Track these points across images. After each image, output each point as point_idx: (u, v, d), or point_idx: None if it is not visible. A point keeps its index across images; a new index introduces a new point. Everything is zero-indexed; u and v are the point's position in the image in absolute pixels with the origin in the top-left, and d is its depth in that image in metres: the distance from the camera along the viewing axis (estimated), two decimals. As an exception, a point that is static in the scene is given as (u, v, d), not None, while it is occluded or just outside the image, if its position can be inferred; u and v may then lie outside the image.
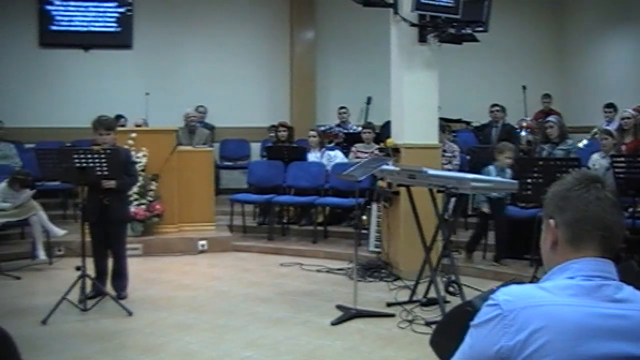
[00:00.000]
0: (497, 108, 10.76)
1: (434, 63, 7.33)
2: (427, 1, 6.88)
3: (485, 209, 7.48)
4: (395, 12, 7.25)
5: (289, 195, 9.61)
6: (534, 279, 6.02)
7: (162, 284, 7.22)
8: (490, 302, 1.67)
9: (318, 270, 7.82)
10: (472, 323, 1.69)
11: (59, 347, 5.14)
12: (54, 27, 12.47)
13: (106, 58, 12.64)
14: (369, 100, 13.08)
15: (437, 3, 6.92)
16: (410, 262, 6.97)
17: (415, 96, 7.29)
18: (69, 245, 8.31)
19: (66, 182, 9.21)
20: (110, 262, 6.53)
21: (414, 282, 6.40)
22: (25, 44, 12.36)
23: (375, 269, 7.54)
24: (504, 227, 7.54)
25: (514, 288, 1.68)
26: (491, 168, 7.42)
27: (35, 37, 12.44)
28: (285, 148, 10.08)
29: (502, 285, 1.75)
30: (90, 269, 6.20)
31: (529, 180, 6.56)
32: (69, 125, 11.70)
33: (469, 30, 7.24)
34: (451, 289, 5.93)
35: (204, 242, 8.84)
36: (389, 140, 7.56)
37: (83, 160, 5.75)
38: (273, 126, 11.64)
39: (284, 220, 9.68)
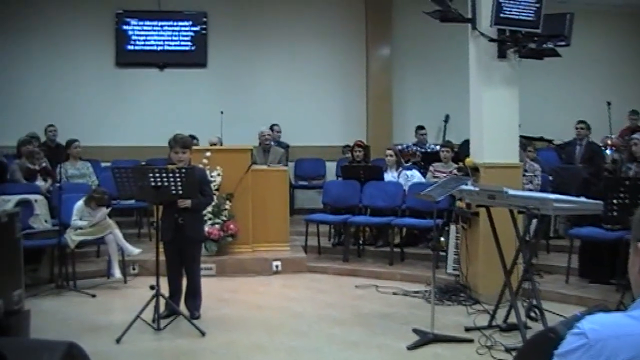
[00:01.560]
0: (582, 125, 10.56)
1: (514, 79, 7.27)
2: (506, 15, 6.84)
3: None
4: (474, 27, 7.22)
5: (365, 215, 9.62)
6: (621, 306, 5.89)
7: (236, 304, 7.31)
8: (575, 330, 1.63)
9: (394, 293, 7.79)
10: (556, 352, 1.66)
11: (133, 366, 5.26)
12: (130, 47, 12.88)
13: (181, 77, 12.99)
14: (447, 118, 13.04)
15: (517, 17, 6.88)
16: (490, 285, 6.89)
17: (495, 113, 7.23)
18: (144, 263, 8.55)
19: (141, 200, 9.46)
20: (184, 282, 6.64)
21: (493, 306, 6.32)
22: (102, 64, 12.80)
23: (453, 292, 7.48)
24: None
25: (600, 316, 1.64)
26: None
27: (112, 57, 12.88)
28: (361, 167, 10.10)
29: (587, 312, 1.72)
30: (165, 288, 6.33)
31: (614, 201, 6.41)
32: (144, 144, 12.06)
33: (550, 45, 7.16)
34: (532, 314, 5.84)
35: (278, 262, 8.91)
36: (467, 159, 7.50)
37: (158, 179, 5.89)
38: (348, 145, 11.72)
39: (360, 241, 9.68)
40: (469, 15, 7.25)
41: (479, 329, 6.14)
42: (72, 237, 7.94)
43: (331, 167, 12.80)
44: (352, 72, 13.26)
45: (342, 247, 9.47)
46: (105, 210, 8.29)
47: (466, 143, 8.37)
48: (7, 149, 9.74)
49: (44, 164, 9.66)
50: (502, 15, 6.82)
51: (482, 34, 7.11)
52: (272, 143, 11.21)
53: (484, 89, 7.25)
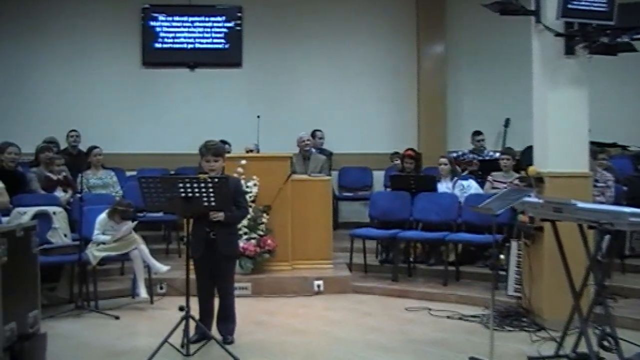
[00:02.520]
0: (662, 130, 10.41)
1: (583, 78, 7.17)
2: (575, 6, 6.74)
3: None
4: (538, 21, 7.15)
5: (416, 230, 9.59)
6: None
7: (273, 328, 7.31)
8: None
9: (448, 317, 7.73)
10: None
11: (160, 395, 5.28)
12: (158, 45, 13.03)
13: (213, 78, 13.12)
14: (507, 123, 12.93)
15: (587, 8, 6.77)
16: (556, 309, 6.79)
17: (562, 117, 7.14)
18: (172, 282, 8.60)
19: (170, 213, 9.55)
20: (216, 303, 6.65)
21: (560, 333, 6.22)
22: (127, 64, 12.99)
23: (514, 317, 7.39)
24: None
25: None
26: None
27: (138, 57, 13.04)
28: (412, 177, 10.06)
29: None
30: (195, 310, 6.33)
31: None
32: (173, 151, 12.19)
33: (625, 39, 7.04)
34: (606, 343, 5.73)
35: (320, 282, 8.92)
36: (531, 168, 7.42)
37: (189, 190, 5.90)
38: (397, 153, 11.68)
39: (410, 259, 9.64)
40: (533, 7, 7.18)
41: (544, 358, 6.05)
42: (93, 253, 8.02)
43: (379, 177, 12.82)
44: (402, 72, 13.24)
45: (391, 265, 9.44)
46: (130, 224, 8.35)
47: (529, 150, 8.29)
48: (24, 156, 9.89)
49: (64, 174, 9.79)
50: (569, 6, 6.73)
51: (548, 28, 7.03)
52: (313, 150, 11.23)
53: (549, 90, 7.16)
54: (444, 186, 9.97)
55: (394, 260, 9.45)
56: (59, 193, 9.53)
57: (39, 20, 12.85)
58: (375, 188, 12.67)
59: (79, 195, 8.57)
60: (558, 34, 7.02)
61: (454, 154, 11.30)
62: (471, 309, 7.96)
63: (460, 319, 7.65)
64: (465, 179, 10.11)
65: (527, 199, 6.35)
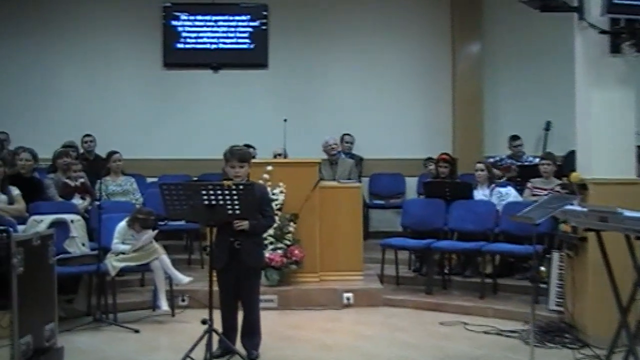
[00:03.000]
0: None
1: (630, 78, 7.09)
2: (621, 1, 6.67)
3: None
4: (581, 18, 7.09)
5: (451, 240, 9.54)
6: None
7: (300, 343, 7.30)
8: None
9: (486, 332, 7.69)
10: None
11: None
12: (180, 45, 13.10)
13: (238, 79, 13.18)
14: (548, 126, 12.84)
15: (634, 3, 6.69)
16: (602, 325, 6.71)
17: (607, 120, 7.08)
18: (194, 294, 8.63)
19: (192, 222, 9.59)
20: (240, 316, 6.65)
21: (606, 351, 6.17)
22: (148, 65, 13.09)
23: (556, 333, 7.32)
24: None
25: None
26: None
27: (159, 57, 13.12)
28: (447, 184, 10.03)
29: None
30: (218, 323, 6.35)
31: None
32: (196, 157, 12.25)
33: (676, 37, 6.98)
34: (655, 360, 5.68)
35: (349, 294, 8.90)
36: (573, 175, 7.36)
37: (212, 197, 5.90)
38: (431, 158, 11.65)
39: (445, 270, 9.60)
40: (575, 3, 7.13)
41: (588, 376, 6.01)
42: (112, 263, 8.06)
43: (412, 183, 12.79)
44: (435, 73, 13.22)
45: (425, 277, 9.43)
46: (151, 233, 8.37)
47: (571, 155, 8.24)
48: (42, 161, 9.98)
49: (82, 180, 9.86)
50: (615, 1, 6.67)
51: (592, 25, 6.97)
52: (340, 155, 11.21)
53: (594, 91, 7.10)
54: (480, 193, 9.92)
55: (427, 272, 9.43)
56: (77, 200, 9.60)
57: (55, 20, 12.98)
58: (408, 195, 12.66)
59: (97, 202, 8.62)
60: (603, 32, 6.95)
61: (491, 159, 11.25)
62: (510, 324, 7.90)
63: (498, 334, 7.60)
64: (504, 185, 10.06)
65: (569, 207, 6.30)
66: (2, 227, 5.65)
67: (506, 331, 7.64)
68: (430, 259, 9.42)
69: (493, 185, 9.96)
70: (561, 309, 7.73)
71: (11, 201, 8.63)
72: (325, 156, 10.86)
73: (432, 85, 13.23)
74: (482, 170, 10.06)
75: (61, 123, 12.54)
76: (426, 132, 13.16)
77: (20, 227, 8.09)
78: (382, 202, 12.79)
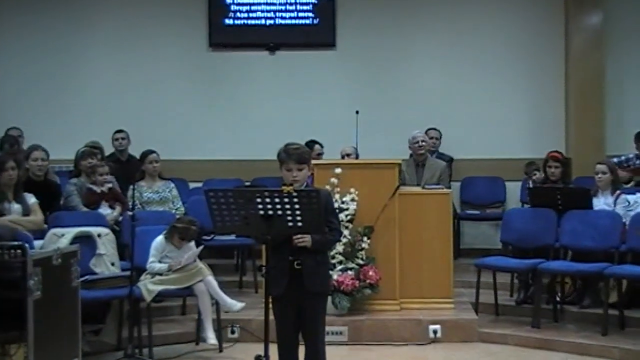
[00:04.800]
0: None
1: None
2: None
3: None
4: None
5: (565, 260, 9.44)
6: None
7: (376, 386, 7.30)
8: None
9: (610, 378, 7.62)
10: None
11: None
12: (229, 22, 13.21)
13: (299, 62, 13.23)
14: (688, 117, 12.65)
15: None
16: None
17: None
18: (247, 325, 8.69)
19: (245, 236, 9.60)
20: (302, 351, 6.64)
21: None
22: (191, 46, 13.29)
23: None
24: None
25: None
26: None
27: (204, 37, 13.25)
28: (558, 190, 9.93)
29: None
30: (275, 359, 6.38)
31: None
32: (249, 157, 12.30)
33: None
34: None
35: (437, 327, 8.84)
36: None
37: (269, 206, 5.87)
38: (532, 163, 11.50)
39: (557, 298, 9.50)
40: None
41: None
42: (148, 287, 8.09)
43: (513, 190, 12.72)
44: (544, 52, 13.10)
45: (531, 307, 9.33)
46: (195, 250, 8.42)
47: None
48: (62, 164, 10.09)
49: (110, 185, 9.93)
50: None
51: None
52: (429, 154, 11.15)
53: None
54: (601, 202, 9.79)
55: (534, 300, 9.30)
56: (105, 210, 9.67)
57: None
58: (509, 204, 12.59)
59: (130, 212, 8.66)
60: None
61: (615, 159, 11.08)
62: (640, 366, 7.81)
63: (625, 380, 7.53)
64: (632, 192, 9.91)
65: None
66: (16, 243, 5.73)
67: (636, 377, 7.57)
68: (538, 283, 9.29)
69: (618, 192, 9.81)
70: None
71: (27, 212, 8.69)
72: (409, 155, 10.81)
73: (540, 68, 13.11)
74: (604, 172, 9.90)
75: (85, 118, 12.73)
76: (531, 126, 13.05)
77: (37, 243, 8.14)
78: (476, 212, 12.72)
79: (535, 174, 11.07)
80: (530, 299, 9.56)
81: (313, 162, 7.26)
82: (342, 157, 10.96)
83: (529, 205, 10.54)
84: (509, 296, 9.94)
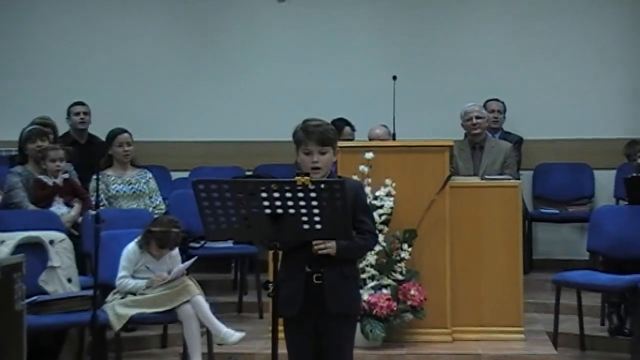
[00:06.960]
0: None
1: None
2: None
3: None
4: None
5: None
6: None
7: None
8: None
9: None
10: None
11: None
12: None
13: (318, 13, 13.13)
14: None
15: None
16: None
17: None
18: (250, 359, 8.60)
19: (246, 243, 9.55)
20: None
21: None
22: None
23: None
24: None
25: None
26: None
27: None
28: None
29: None
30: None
31: None
32: (251, 138, 12.25)
33: None
34: None
35: (501, 363, 8.83)
36: None
37: (279, 203, 5.83)
38: (635, 141, 11.44)
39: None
40: None
41: None
42: (117, 311, 8.08)
43: (605, 181, 12.70)
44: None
45: (628, 338, 9.25)
46: (186, 262, 8.37)
47: None
48: (3, 146, 10.07)
49: (66, 175, 9.90)
50: None
51: None
52: (489, 134, 11.08)
53: None
54: None
55: (633, 329, 9.24)
56: (60, 208, 9.66)
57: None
58: (599, 200, 12.56)
59: (92, 211, 8.59)
60: None
61: None
62: None
63: None
64: None
65: None
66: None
67: None
68: (638, 307, 9.24)
69: None
70: None
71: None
72: (464, 136, 10.76)
73: (631, 22, 13.05)
74: None
75: (32, 87, 12.69)
76: (626, 100, 13.01)
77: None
78: (554, 211, 12.68)
79: (639, 157, 10.97)
80: (627, 328, 9.49)
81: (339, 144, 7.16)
82: (372, 139, 10.84)
83: (626, 202, 10.51)
84: (599, 324, 9.88)
